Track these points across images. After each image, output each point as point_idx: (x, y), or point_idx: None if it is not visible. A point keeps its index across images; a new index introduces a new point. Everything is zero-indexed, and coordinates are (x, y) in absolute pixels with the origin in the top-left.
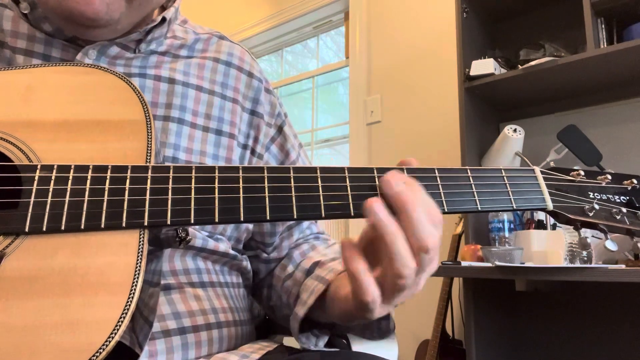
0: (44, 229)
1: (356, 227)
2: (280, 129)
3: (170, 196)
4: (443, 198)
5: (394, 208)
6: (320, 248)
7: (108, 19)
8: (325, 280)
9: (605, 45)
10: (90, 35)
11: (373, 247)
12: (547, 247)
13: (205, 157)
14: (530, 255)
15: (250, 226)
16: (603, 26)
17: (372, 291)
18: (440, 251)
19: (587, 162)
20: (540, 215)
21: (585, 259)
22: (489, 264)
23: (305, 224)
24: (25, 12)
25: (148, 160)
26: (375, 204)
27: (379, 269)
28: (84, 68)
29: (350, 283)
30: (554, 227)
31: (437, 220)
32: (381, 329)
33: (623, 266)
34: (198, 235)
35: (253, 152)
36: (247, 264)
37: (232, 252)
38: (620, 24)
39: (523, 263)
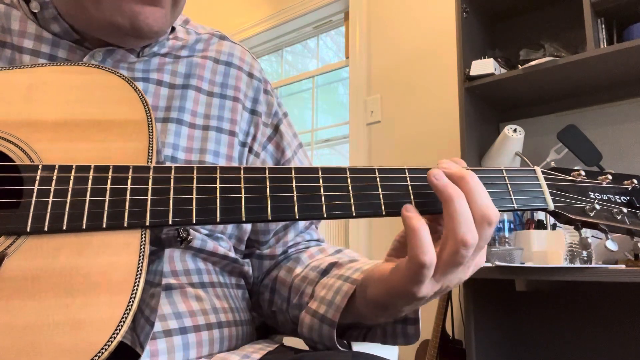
0: (46, 229)
1: (356, 228)
2: (276, 128)
3: (171, 196)
4: None
5: (455, 181)
6: (329, 250)
7: (164, 32)
8: (354, 280)
9: (605, 45)
10: (130, 45)
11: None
12: (547, 247)
13: (205, 155)
14: (530, 255)
15: (250, 226)
16: (603, 26)
17: (431, 251)
18: None
19: (587, 162)
20: (541, 215)
21: (585, 259)
22: (489, 264)
23: (302, 225)
24: (35, 11)
25: (149, 160)
26: (437, 170)
27: (437, 244)
28: (85, 68)
29: (408, 243)
30: (554, 227)
31: (494, 211)
32: (408, 334)
33: (623, 266)
34: (197, 235)
35: (251, 150)
36: (248, 268)
37: (232, 255)
38: (620, 24)
39: (523, 263)
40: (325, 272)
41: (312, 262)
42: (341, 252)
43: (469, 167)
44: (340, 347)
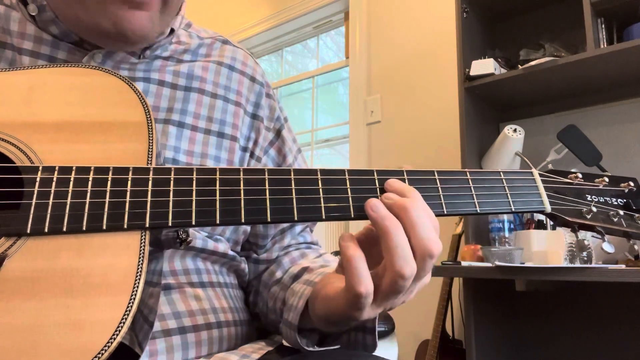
0: (46, 230)
1: (356, 230)
2: (278, 133)
3: (171, 198)
4: (442, 200)
5: (395, 212)
6: (310, 256)
7: (151, 35)
8: (314, 283)
9: (605, 45)
10: (122, 49)
11: (370, 251)
12: (547, 247)
13: (206, 159)
14: (530, 255)
15: (249, 228)
16: (603, 26)
17: (367, 281)
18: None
19: (587, 162)
20: (540, 215)
21: (585, 259)
22: (489, 264)
23: (298, 229)
24: (33, 14)
25: (149, 162)
26: (375, 201)
27: (376, 268)
28: (86, 69)
29: (345, 272)
30: (554, 227)
31: (436, 226)
32: (367, 344)
33: (623, 266)
34: (198, 235)
35: (252, 154)
36: (244, 266)
37: (231, 253)
38: (620, 24)
39: (523, 263)
40: (296, 277)
41: (291, 268)
42: (320, 256)
43: (467, 170)
44: (310, 349)
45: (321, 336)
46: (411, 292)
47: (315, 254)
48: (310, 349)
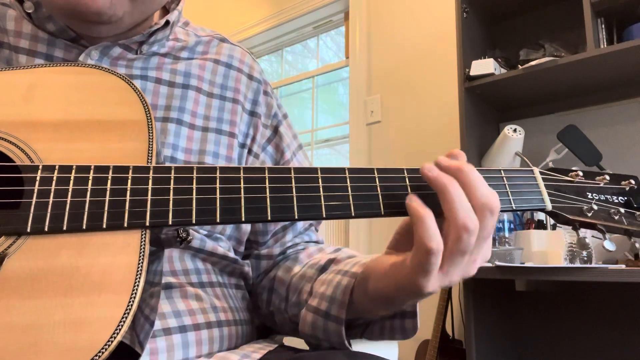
0: (46, 229)
1: (356, 229)
2: (276, 129)
3: (171, 196)
4: None
5: (452, 175)
6: (328, 249)
7: (111, 15)
8: (353, 273)
9: (605, 45)
10: (94, 32)
11: (411, 239)
12: (547, 247)
13: (205, 156)
14: (530, 255)
15: (250, 227)
16: (603, 26)
17: (437, 237)
18: None
19: (587, 162)
20: (540, 215)
21: (585, 259)
22: (489, 264)
23: (301, 227)
24: (29, 11)
25: (149, 161)
26: (429, 165)
27: (442, 229)
28: (85, 68)
29: (415, 231)
30: (554, 227)
31: (496, 196)
32: (406, 328)
33: (623, 266)
34: (196, 235)
35: (250, 151)
36: (249, 269)
37: (232, 255)
38: (620, 24)
39: (523, 263)
40: (323, 268)
41: (311, 261)
42: (340, 250)
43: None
44: (349, 347)
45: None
46: (474, 262)
47: (332, 248)
48: (347, 344)
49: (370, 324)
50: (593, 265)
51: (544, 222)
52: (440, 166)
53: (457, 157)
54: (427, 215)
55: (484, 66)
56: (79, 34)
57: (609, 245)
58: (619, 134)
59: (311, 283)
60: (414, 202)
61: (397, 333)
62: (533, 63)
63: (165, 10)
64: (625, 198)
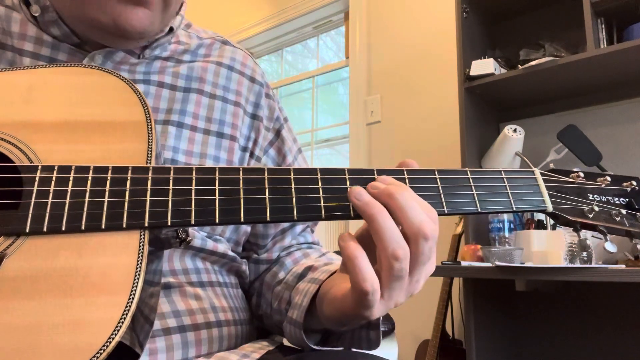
0: (45, 229)
1: (356, 229)
2: (278, 133)
3: (170, 197)
4: (443, 199)
5: (383, 202)
6: (313, 256)
7: (150, 32)
8: (319, 281)
9: (605, 45)
10: (120, 46)
11: (371, 248)
12: (547, 247)
13: (205, 159)
14: (530, 255)
15: (249, 228)
16: (603, 26)
17: (371, 277)
18: (440, 251)
19: (587, 162)
20: (541, 215)
21: (585, 259)
22: (489, 264)
23: (299, 229)
24: (36, 14)
25: (149, 162)
26: (358, 188)
27: (376, 264)
28: (85, 69)
29: (349, 272)
30: (554, 227)
31: (433, 215)
32: (370, 339)
33: (623, 266)
34: (197, 235)
35: (252, 154)
36: (245, 267)
37: (230, 253)
38: (620, 24)
39: (523, 263)
40: (301, 276)
41: (294, 268)
42: (323, 255)
43: (468, 169)
44: (317, 348)
45: (323, 335)
46: (417, 282)
47: (318, 253)
48: (314, 346)
49: (343, 333)
50: (593, 265)
51: (544, 222)
52: (373, 193)
53: (388, 181)
54: (360, 256)
55: (484, 66)
56: (84, 39)
57: (610, 247)
58: (619, 134)
59: (290, 292)
60: (345, 242)
61: (363, 343)
62: (533, 63)
63: None
64: (627, 199)
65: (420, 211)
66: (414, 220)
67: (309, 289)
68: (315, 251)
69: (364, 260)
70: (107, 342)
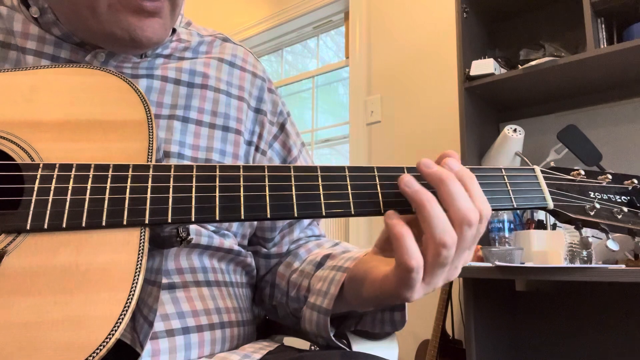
0: (46, 226)
1: (356, 227)
2: (282, 127)
3: (171, 194)
4: None
5: (432, 184)
6: (326, 245)
7: (164, 39)
8: (345, 269)
9: (605, 45)
10: (129, 53)
11: (413, 232)
12: (547, 247)
13: (212, 153)
14: (530, 255)
15: (255, 222)
16: (603, 26)
17: (417, 255)
18: None
19: (587, 162)
20: (541, 215)
21: (585, 259)
22: (489, 264)
23: (306, 222)
24: (35, 16)
25: (149, 160)
26: (408, 176)
27: (421, 244)
28: (87, 69)
29: (395, 249)
30: (554, 227)
31: (485, 208)
32: (395, 320)
33: (623, 266)
34: (204, 232)
35: (257, 148)
36: (251, 260)
37: (236, 248)
38: (620, 24)
39: (523, 263)
40: (319, 264)
41: (309, 257)
42: (337, 244)
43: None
44: (333, 338)
45: (338, 322)
46: (456, 268)
47: (331, 243)
48: (332, 337)
49: (364, 315)
50: (593, 265)
51: (544, 222)
52: (426, 173)
53: (447, 157)
54: (406, 234)
55: (484, 66)
56: (85, 40)
57: (612, 244)
58: (619, 134)
59: (309, 279)
60: (392, 220)
61: (387, 325)
62: (533, 63)
63: None
64: (628, 198)
65: (467, 198)
66: (461, 206)
67: (334, 277)
68: (328, 241)
69: (410, 239)
70: (106, 338)
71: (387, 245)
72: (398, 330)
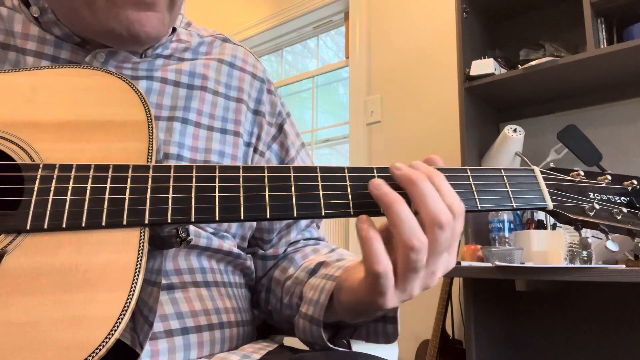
0: (45, 226)
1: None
2: (280, 128)
3: (170, 195)
4: None
5: (404, 186)
6: (323, 251)
7: (162, 35)
8: (335, 277)
9: (605, 45)
10: (129, 48)
11: (391, 241)
12: (547, 247)
13: (211, 155)
14: (530, 255)
15: (254, 223)
16: (603, 26)
17: (384, 260)
18: None
19: (587, 162)
20: (540, 215)
21: (585, 259)
22: (489, 264)
23: (304, 224)
24: (36, 15)
25: (149, 160)
26: (378, 180)
27: (392, 254)
28: (87, 70)
29: (362, 254)
30: (554, 227)
31: (456, 206)
32: (387, 333)
33: (623, 266)
34: (203, 234)
35: (255, 150)
36: (250, 263)
37: (236, 250)
38: (620, 24)
39: (523, 263)
40: (313, 272)
41: (304, 263)
42: (334, 251)
43: (468, 167)
44: (332, 346)
45: (335, 329)
46: (433, 274)
47: (328, 249)
48: (329, 344)
49: (358, 326)
50: (593, 265)
51: (544, 222)
52: (398, 175)
53: (428, 162)
54: (374, 238)
55: (484, 66)
56: (86, 39)
57: (612, 245)
58: (619, 134)
59: (301, 286)
60: (362, 224)
61: (380, 337)
62: (533, 63)
63: None
64: (628, 198)
65: (438, 200)
66: (432, 207)
67: (324, 286)
68: (325, 247)
69: (377, 243)
70: (106, 338)
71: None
72: (391, 342)
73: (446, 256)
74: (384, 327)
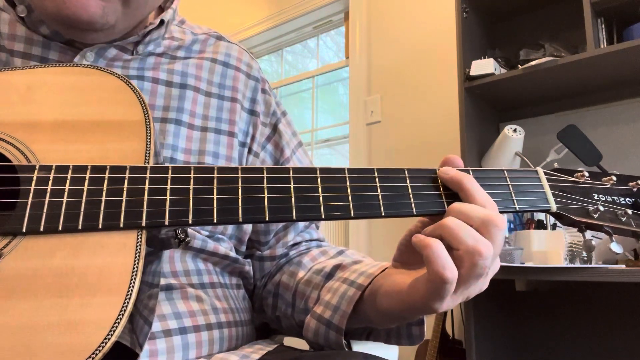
0: (42, 229)
1: (356, 228)
2: (275, 127)
3: (168, 197)
4: (444, 199)
5: (437, 234)
6: (331, 252)
7: (104, 23)
8: (359, 285)
9: (605, 45)
10: (87, 39)
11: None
12: (547, 247)
13: (204, 156)
14: (530, 255)
15: (250, 226)
16: (603, 26)
17: (451, 265)
18: None
19: (587, 162)
20: (541, 215)
21: (585, 259)
22: None
23: (302, 225)
24: (22, 15)
25: (147, 161)
26: (418, 235)
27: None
28: (84, 69)
29: (426, 261)
30: (554, 227)
31: (495, 205)
32: (412, 335)
33: (623, 266)
34: (197, 236)
35: (250, 150)
36: (249, 268)
37: (233, 255)
38: (620, 24)
39: (523, 263)
40: (329, 275)
41: (315, 265)
42: (343, 253)
43: (470, 169)
44: (346, 349)
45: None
46: (487, 276)
47: (336, 250)
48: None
49: (376, 328)
50: (593, 265)
51: (544, 222)
52: (442, 179)
53: (448, 163)
54: (436, 244)
55: (484, 66)
56: (52, 28)
57: (616, 247)
58: (619, 134)
59: (318, 290)
60: (417, 238)
61: (404, 338)
62: (533, 63)
63: (161, 9)
64: (633, 199)
65: (469, 232)
66: (466, 245)
67: (346, 292)
68: (332, 248)
69: (441, 248)
70: (103, 342)
71: (406, 255)
72: (415, 344)
73: (497, 258)
74: (408, 329)
